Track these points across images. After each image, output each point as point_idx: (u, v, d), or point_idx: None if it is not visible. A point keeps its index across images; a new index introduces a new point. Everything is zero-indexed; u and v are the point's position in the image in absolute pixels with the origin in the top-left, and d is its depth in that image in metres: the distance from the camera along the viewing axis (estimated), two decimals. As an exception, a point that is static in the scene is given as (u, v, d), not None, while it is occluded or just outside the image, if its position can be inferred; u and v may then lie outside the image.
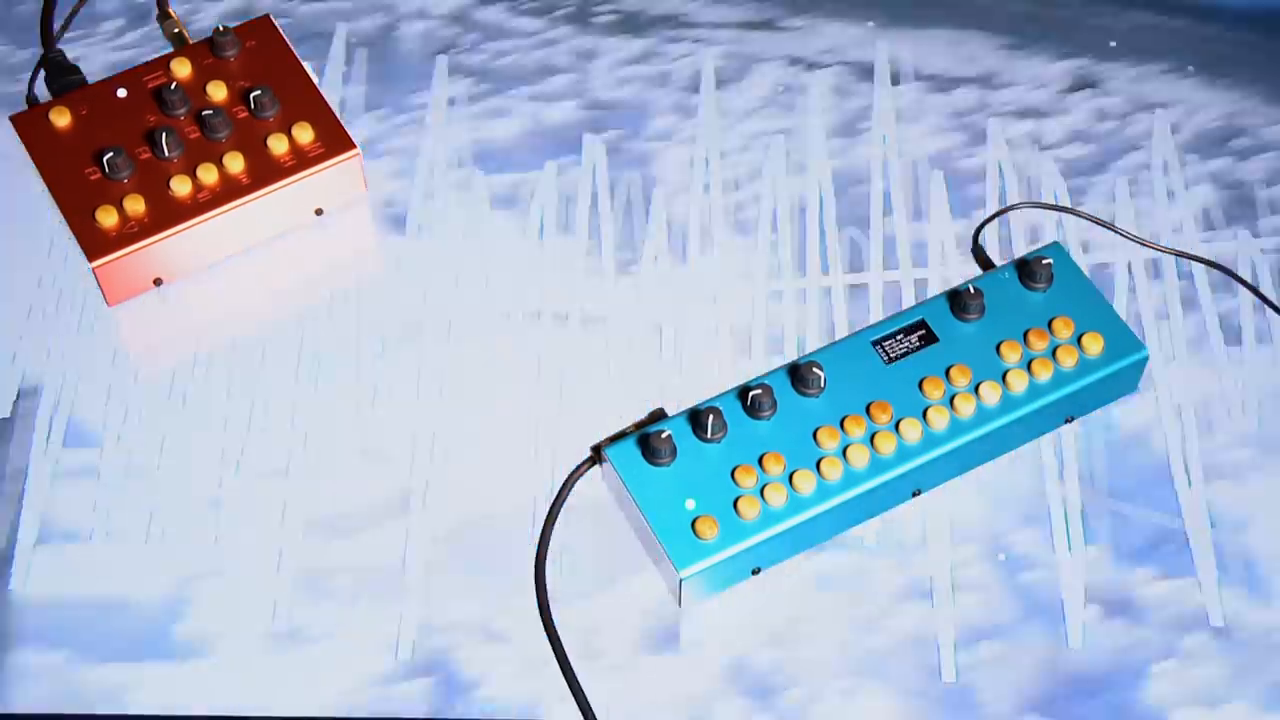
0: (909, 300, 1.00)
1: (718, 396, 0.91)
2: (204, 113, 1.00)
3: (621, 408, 0.96)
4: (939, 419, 0.90)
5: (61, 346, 0.98)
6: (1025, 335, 0.93)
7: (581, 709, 0.85)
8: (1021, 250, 1.02)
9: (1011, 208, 1.04)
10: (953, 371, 0.91)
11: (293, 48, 1.05)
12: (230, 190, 0.99)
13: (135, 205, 0.97)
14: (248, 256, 1.02)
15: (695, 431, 0.89)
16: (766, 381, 0.91)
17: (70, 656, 0.88)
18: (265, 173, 1.00)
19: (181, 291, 1.01)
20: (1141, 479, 0.94)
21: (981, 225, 1.02)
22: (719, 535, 0.86)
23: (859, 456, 0.88)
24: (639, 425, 0.92)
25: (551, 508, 0.91)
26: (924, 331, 0.93)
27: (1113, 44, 1.12)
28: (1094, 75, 1.11)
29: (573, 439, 0.95)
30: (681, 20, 1.13)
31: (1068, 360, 0.92)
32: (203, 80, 1.03)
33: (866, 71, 1.11)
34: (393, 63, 1.10)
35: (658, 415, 0.93)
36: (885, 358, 0.92)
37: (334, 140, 1.01)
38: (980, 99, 1.10)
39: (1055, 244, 0.96)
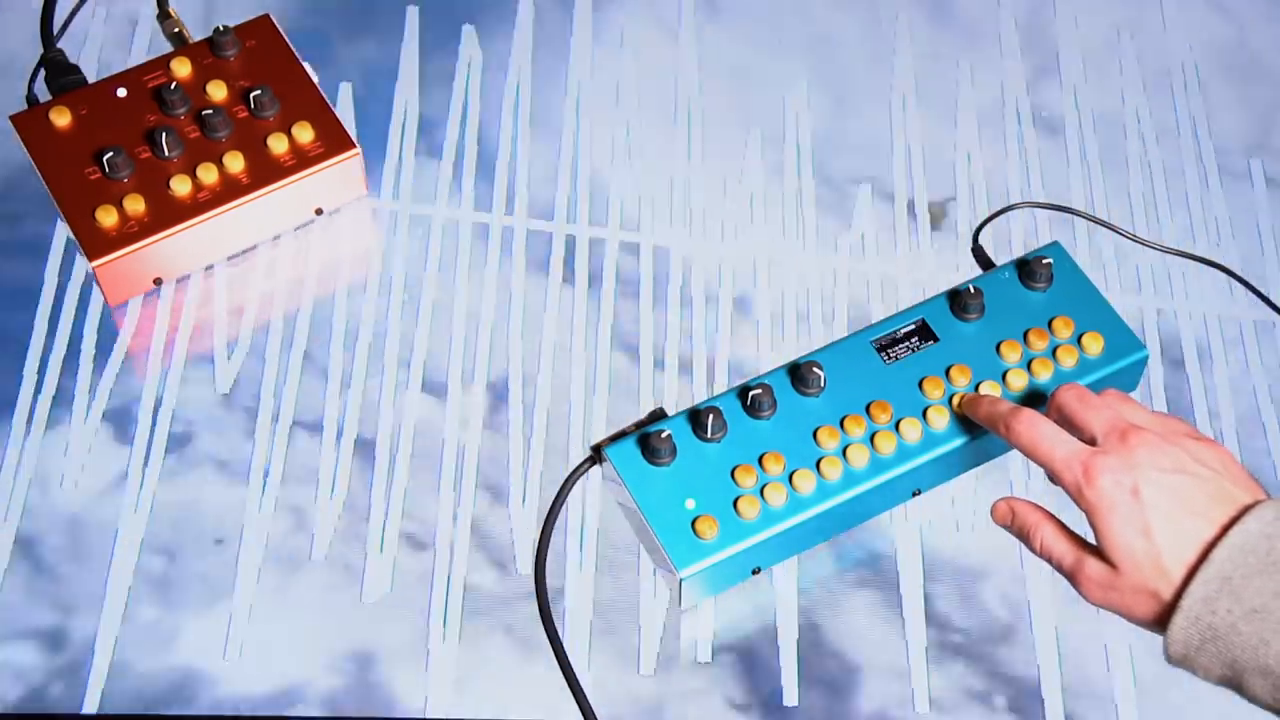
0: (909, 300, 1.00)
1: (718, 396, 0.91)
2: (204, 112, 1.00)
3: (622, 408, 0.96)
4: (939, 419, 0.89)
5: (62, 347, 0.98)
6: (1025, 335, 0.92)
7: (581, 709, 0.85)
8: (1021, 250, 1.02)
9: (1011, 207, 1.04)
10: (953, 371, 0.91)
11: (293, 47, 1.05)
12: (230, 190, 0.99)
13: (135, 205, 0.97)
14: (248, 256, 1.02)
15: (695, 431, 0.89)
16: (766, 381, 0.91)
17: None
18: (265, 172, 1.00)
19: (181, 291, 1.01)
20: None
21: (981, 225, 1.02)
22: (719, 535, 0.86)
23: (859, 456, 0.88)
24: (639, 425, 0.92)
25: (551, 508, 0.91)
26: (924, 331, 0.93)
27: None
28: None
29: (573, 439, 0.95)
30: None
31: (1068, 360, 0.92)
32: (203, 80, 1.03)
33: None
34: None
35: (658, 415, 0.93)
36: (885, 357, 0.92)
37: (334, 140, 1.01)
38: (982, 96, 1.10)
39: (1055, 244, 0.96)
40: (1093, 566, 0.77)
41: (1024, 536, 0.81)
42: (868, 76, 1.11)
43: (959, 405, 0.89)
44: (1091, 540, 0.78)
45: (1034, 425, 0.81)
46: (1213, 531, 0.74)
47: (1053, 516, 0.81)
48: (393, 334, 0.99)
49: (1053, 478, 0.79)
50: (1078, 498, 0.77)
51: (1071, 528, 0.80)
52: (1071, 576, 0.78)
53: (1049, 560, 0.80)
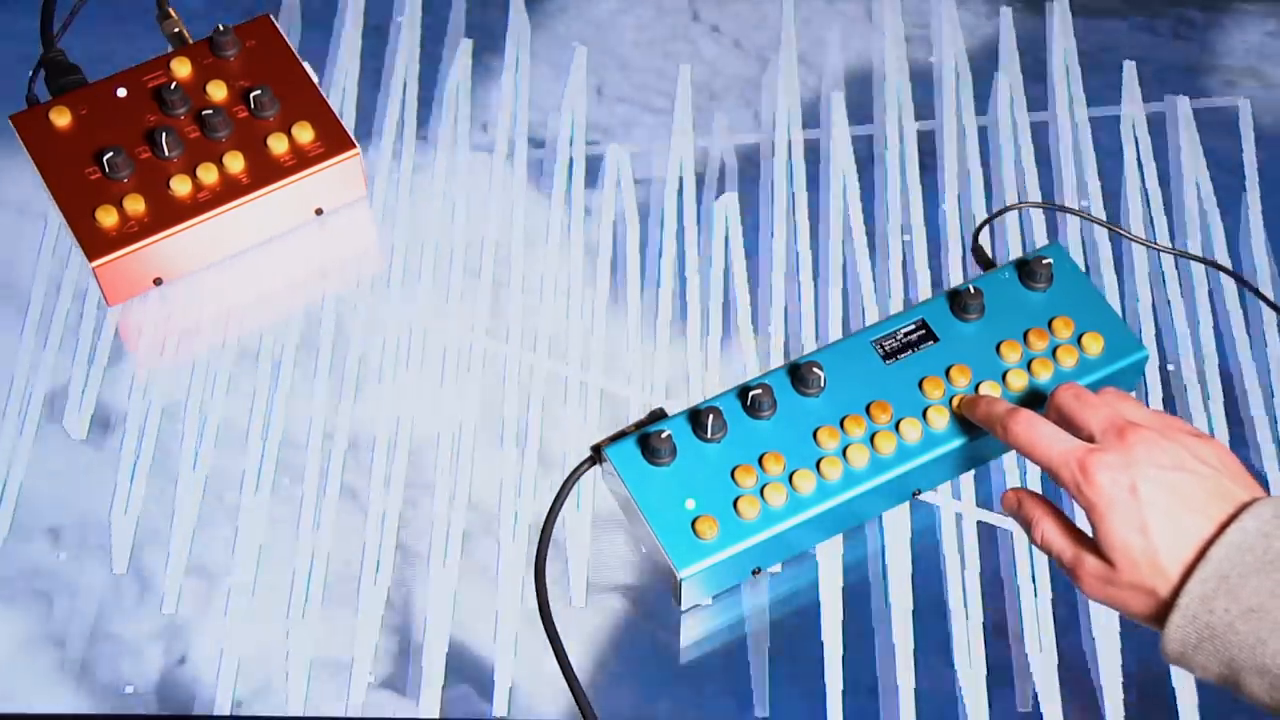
0: (909, 300, 1.00)
1: (718, 396, 0.91)
2: (204, 112, 1.00)
3: (621, 408, 0.96)
4: (939, 419, 0.89)
5: (62, 347, 0.98)
6: (1025, 335, 0.93)
7: (581, 709, 0.85)
8: (1021, 250, 1.02)
9: (1011, 207, 1.04)
10: (953, 371, 0.91)
11: (293, 47, 1.05)
12: (230, 190, 0.99)
13: (135, 205, 0.97)
14: (248, 256, 1.02)
15: (695, 431, 0.89)
16: (766, 381, 0.91)
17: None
18: (265, 172, 1.00)
19: (181, 291, 1.01)
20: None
21: (981, 225, 1.02)
22: (719, 535, 0.86)
23: (859, 456, 0.88)
24: (639, 425, 0.92)
25: (551, 508, 0.91)
26: (924, 331, 0.93)
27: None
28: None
29: (573, 439, 0.95)
30: None
31: (1068, 360, 0.92)
32: (203, 80, 1.03)
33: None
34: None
35: (658, 415, 0.93)
36: (885, 357, 0.92)
37: (334, 140, 1.01)
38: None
39: (1055, 244, 0.96)
40: (1091, 563, 0.77)
41: (1026, 528, 0.82)
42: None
43: (958, 406, 0.89)
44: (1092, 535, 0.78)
45: (1031, 426, 0.81)
46: (1210, 529, 0.74)
47: (1056, 510, 0.81)
48: (392, 333, 0.99)
49: (1053, 478, 0.79)
50: (1076, 495, 0.77)
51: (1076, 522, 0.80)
52: (1071, 571, 0.79)
53: (1049, 554, 0.80)
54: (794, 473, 0.88)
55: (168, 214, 0.98)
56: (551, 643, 0.86)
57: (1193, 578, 0.73)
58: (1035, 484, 0.93)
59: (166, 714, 0.86)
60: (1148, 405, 0.95)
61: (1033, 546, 0.88)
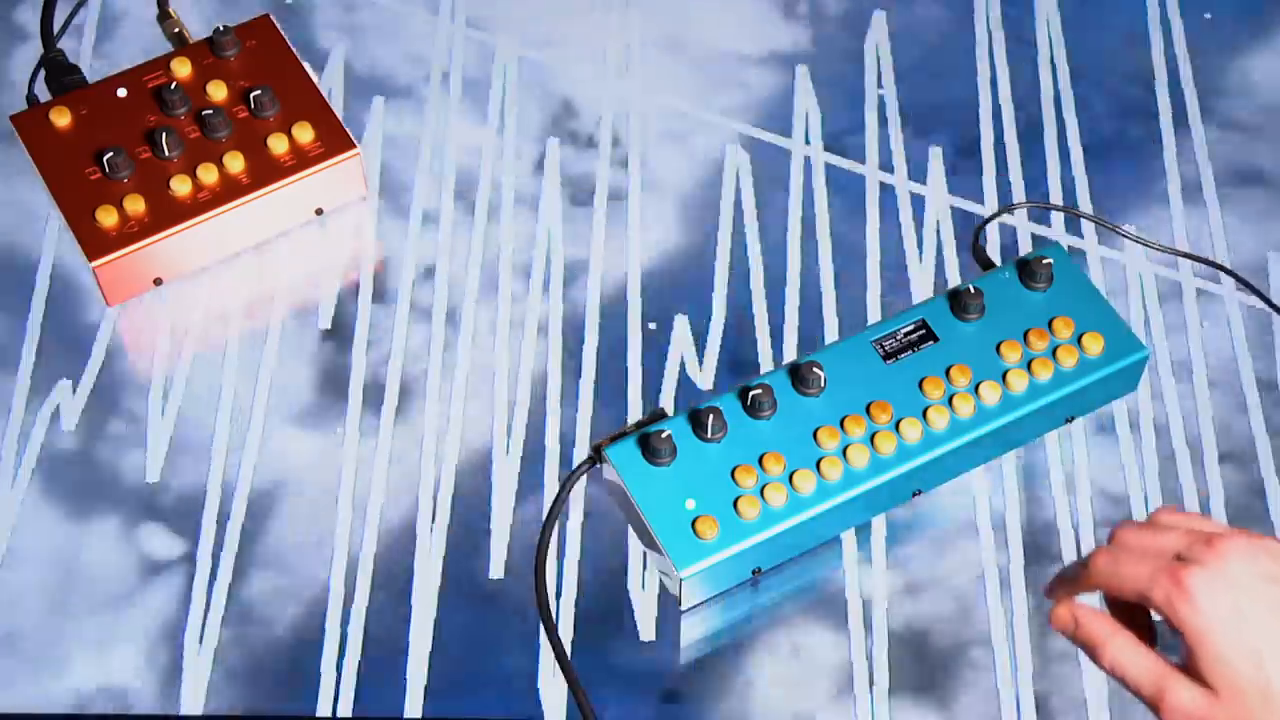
0: (909, 300, 1.00)
1: (718, 396, 0.91)
2: (204, 112, 1.00)
3: (621, 408, 0.96)
4: (939, 419, 0.89)
5: (61, 347, 0.98)
6: (1025, 335, 0.93)
7: (581, 709, 0.85)
8: (1021, 250, 1.02)
9: (1011, 207, 1.04)
10: (953, 371, 0.91)
11: (293, 48, 1.05)
12: (230, 190, 0.99)
13: (135, 205, 0.97)
14: (248, 256, 1.02)
15: (695, 431, 0.89)
16: (766, 381, 0.91)
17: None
18: (265, 172, 1.00)
19: (181, 291, 1.01)
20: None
21: (981, 225, 1.02)
22: (719, 535, 0.86)
23: (859, 456, 0.88)
24: (639, 425, 0.92)
25: (551, 507, 0.91)
26: (924, 331, 0.93)
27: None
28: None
29: (573, 439, 0.95)
30: None
31: (1068, 360, 0.92)
32: (203, 80, 1.03)
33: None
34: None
35: (658, 415, 0.93)
36: (885, 357, 0.92)
37: (334, 140, 1.01)
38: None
39: (1055, 244, 0.96)
40: (1183, 691, 0.66)
41: (1090, 650, 0.70)
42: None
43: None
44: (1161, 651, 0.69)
45: (1115, 560, 0.69)
46: None
47: (1125, 629, 0.69)
48: (393, 333, 0.99)
49: (1144, 602, 0.68)
50: (1169, 614, 0.67)
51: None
52: (1153, 702, 0.67)
53: (1122, 680, 0.68)
54: (794, 473, 0.88)
55: (168, 214, 0.98)
56: (552, 643, 0.86)
57: None
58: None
59: (164, 714, 0.86)
60: (1151, 410, 0.95)
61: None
